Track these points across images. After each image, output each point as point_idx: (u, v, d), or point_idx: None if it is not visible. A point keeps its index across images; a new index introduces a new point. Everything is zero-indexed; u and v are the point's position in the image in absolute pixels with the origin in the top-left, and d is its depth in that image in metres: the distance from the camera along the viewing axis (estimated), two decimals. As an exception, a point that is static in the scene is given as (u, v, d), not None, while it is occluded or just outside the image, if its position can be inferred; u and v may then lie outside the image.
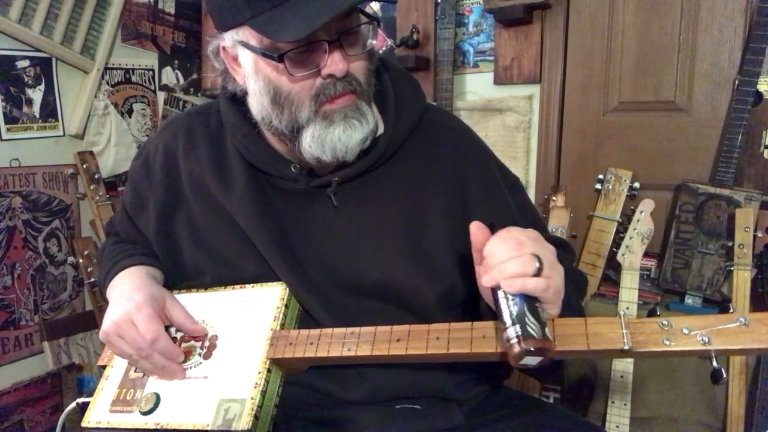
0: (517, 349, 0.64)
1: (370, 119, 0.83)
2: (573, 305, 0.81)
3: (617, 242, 1.75)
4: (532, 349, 0.63)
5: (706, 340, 0.64)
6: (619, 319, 0.68)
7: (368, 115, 0.83)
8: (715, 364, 0.65)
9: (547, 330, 0.65)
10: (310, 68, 0.78)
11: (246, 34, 0.80)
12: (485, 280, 0.69)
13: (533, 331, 0.64)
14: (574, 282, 0.89)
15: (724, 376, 0.66)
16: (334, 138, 0.80)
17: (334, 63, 0.77)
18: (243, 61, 0.84)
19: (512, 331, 0.65)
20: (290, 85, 0.80)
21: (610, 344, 0.67)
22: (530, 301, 0.67)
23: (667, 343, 0.65)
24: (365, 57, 0.83)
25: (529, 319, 0.65)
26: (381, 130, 0.90)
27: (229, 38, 0.83)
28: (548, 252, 0.71)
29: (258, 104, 0.85)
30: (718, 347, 0.64)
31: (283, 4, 0.75)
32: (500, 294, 0.67)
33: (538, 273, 0.67)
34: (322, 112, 0.81)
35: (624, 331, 0.67)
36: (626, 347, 0.66)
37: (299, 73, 0.78)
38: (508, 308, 0.66)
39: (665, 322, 0.67)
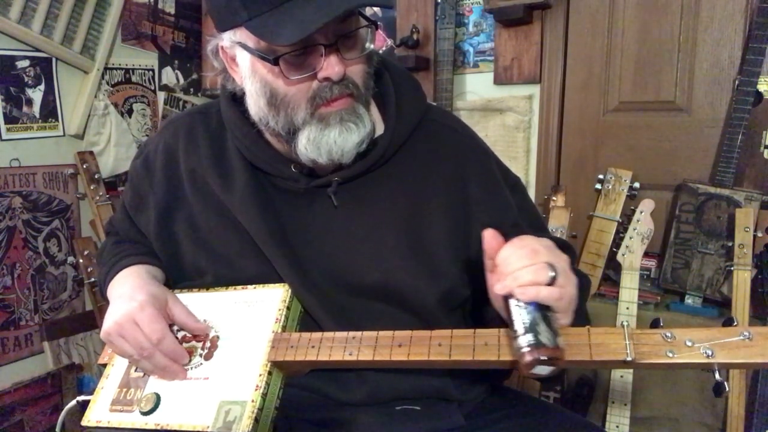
0: (528, 358, 0.63)
1: (367, 122, 0.83)
2: (582, 312, 0.81)
3: (617, 242, 1.75)
4: (544, 358, 0.63)
5: (710, 353, 0.64)
6: (622, 329, 0.68)
7: (365, 118, 0.83)
8: (717, 377, 0.65)
9: (559, 339, 0.65)
10: (306, 71, 0.78)
11: (243, 35, 0.80)
12: (498, 287, 0.69)
13: (546, 339, 0.64)
14: (581, 288, 0.89)
15: (727, 389, 0.66)
16: (329, 141, 0.80)
17: (331, 66, 0.77)
18: (240, 61, 0.84)
19: (524, 340, 0.64)
20: (286, 88, 0.80)
21: (613, 355, 0.67)
22: (543, 309, 0.66)
23: (670, 355, 0.65)
24: (363, 60, 0.83)
25: (542, 327, 0.64)
26: (381, 130, 0.90)
27: (227, 39, 0.83)
28: (562, 261, 0.71)
29: (255, 105, 0.85)
30: (721, 360, 0.64)
31: (280, 7, 0.74)
32: (513, 302, 0.67)
33: (552, 282, 0.66)
34: (318, 114, 0.80)
35: (627, 342, 0.67)
36: (629, 358, 0.66)
37: (295, 75, 0.78)
38: (520, 317, 0.66)
39: (668, 334, 0.66)
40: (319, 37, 0.75)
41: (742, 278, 1.55)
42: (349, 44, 0.80)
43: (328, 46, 0.76)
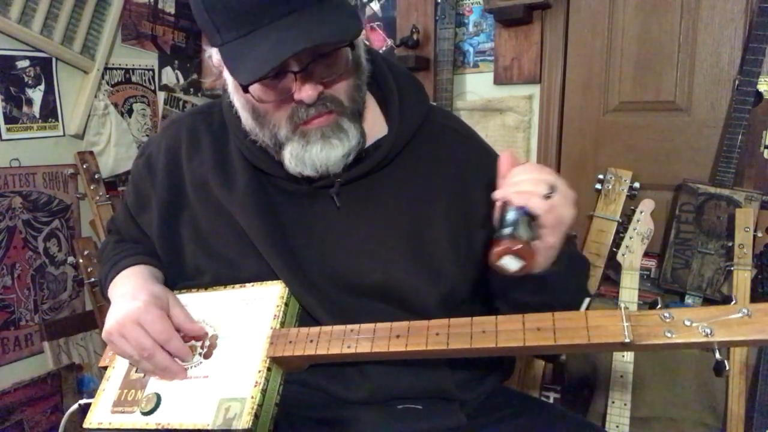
0: (499, 247, 0.69)
1: (353, 135, 0.82)
2: (575, 265, 0.92)
3: (617, 242, 1.75)
4: (513, 248, 0.69)
5: (709, 331, 0.63)
6: (620, 311, 0.67)
7: (351, 132, 0.82)
8: (717, 356, 0.64)
9: (533, 244, 0.71)
10: (282, 94, 0.78)
11: None
12: (497, 193, 0.74)
13: (522, 234, 0.69)
14: (579, 262, 0.98)
15: (727, 367, 0.65)
16: (312, 156, 0.81)
17: (304, 91, 0.76)
18: (226, 76, 0.84)
19: (504, 231, 0.70)
20: (265, 108, 0.80)
21: (611, 337, 0.66)
22: (530, 216, 0.71)
23: (669, 335, 0.64)
24: (347, 75, 0.81)
25: (522, 225, 0.70)
26: (384, 132, 0.90)
27: (215, 54, 0.83)
28: (566, 188, 0.74)
29: (244, 118, 0.86)
30: (720, 339, 0.63)
31: (246, 37, 0.74)
32: (507, 206, 0.73)
33: (547, 197, 0.71)
34: (300, 131, 0.81)
35: (625, 324, 0.66)
36: (627, 340, 0.65)
37: (270, 98, 0.79)
38: (507, 216, 0.72)
39: (667, 314, 0.66)
40: (291, 62, 0.74)
41: (742, 278, 1.55)
42: (328, 63, 0.78)
43: (298, 72, 0.76)
